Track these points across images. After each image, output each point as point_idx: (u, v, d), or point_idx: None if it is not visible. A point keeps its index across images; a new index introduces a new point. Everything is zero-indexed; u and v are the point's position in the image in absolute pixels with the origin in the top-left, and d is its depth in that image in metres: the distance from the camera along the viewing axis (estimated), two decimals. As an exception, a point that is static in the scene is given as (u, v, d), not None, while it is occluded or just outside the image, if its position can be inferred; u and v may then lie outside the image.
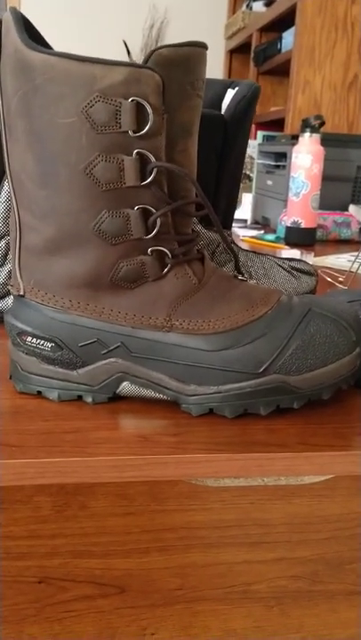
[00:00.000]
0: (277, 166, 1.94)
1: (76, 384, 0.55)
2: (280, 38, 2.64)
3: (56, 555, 0.57)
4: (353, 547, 0.62)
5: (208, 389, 0.52)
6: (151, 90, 0.47)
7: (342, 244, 1.70)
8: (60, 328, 0.53)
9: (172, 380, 0.53)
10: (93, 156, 0.48)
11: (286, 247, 1.55)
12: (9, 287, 0.64)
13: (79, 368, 0.54)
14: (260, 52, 2.86)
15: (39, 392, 0.56)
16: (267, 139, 2.23)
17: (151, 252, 0.52)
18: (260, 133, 2.25)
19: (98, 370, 0.54)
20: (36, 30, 0.51)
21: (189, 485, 0.57)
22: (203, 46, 0.50)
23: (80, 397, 0.55)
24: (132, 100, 0.46)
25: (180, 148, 0.52)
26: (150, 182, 0.49)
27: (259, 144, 2.11)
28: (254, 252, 0.87)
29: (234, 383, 0.52)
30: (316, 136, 1.54)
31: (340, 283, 1.15)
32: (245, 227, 1.97)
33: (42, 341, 0.54)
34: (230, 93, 0.78)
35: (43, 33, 3.15)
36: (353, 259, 1.39)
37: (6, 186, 0.70)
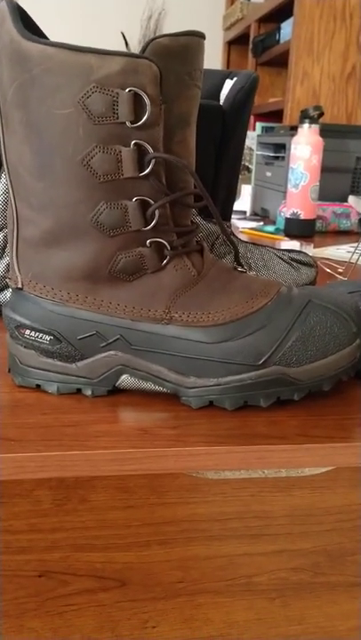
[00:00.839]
0: (276, 157, 1.93)
1: (75, 377, 0.55)
2: (278, 29, 2.63)
3: (56, 548, 0.57)
4: (354, 538, 0.62)
5: (208, 382, 0.52)
6: (149, 80, 0.46)
7: (342, 234, 1.70)
8: (58, 321, 0.53)
9: (172, 372, 0.52)
10: (91, 147, 0.47)
11: (286, 238, 1.54)
12: (7, 280, 0.64)
13: (78, 361, 0.54)
14: (259, 43, 2.85)
15: (38, 385, 0.56)
16: (265, 130, 2.22)
17: (150, 243, 0.52)
18: (258, 124, 2.24)
19: (97, 363, 0.54)
20: (32, 20, 0.51)
21: (190, 478, 0.57)
22: (200, 36, 0.50)
23: (79, 390, 0.55)
24: (130, 91, 0.46)
25: (179, 138, 0.51)
26: (148, 173, 0.49)
27: (258, 135, 2.10)
28: (254, 244, 0.86)
29: (234, 375, 0.51)
30: (315, 127, 1.54)
31: (340, 274, 1.15)
32: (245, 218, 1.96)
33: (40, 334, 0.54)
34: (229, 84, 0.77)
35: (39, 23, 3.13)
36: (352, 250, 1.39)
37: (4, 178, 0.70)
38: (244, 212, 2.10)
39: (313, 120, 1.53)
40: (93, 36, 3.52)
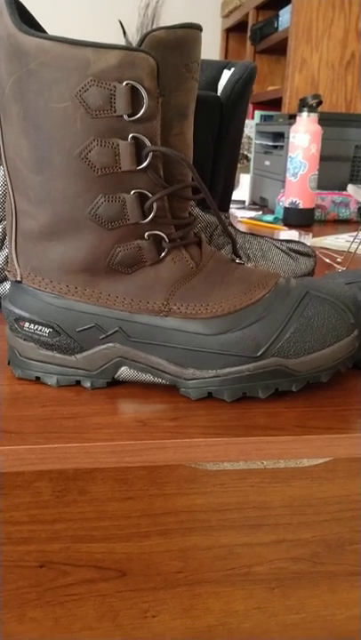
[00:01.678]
0: (275, 146, 1.93)
1: (74, 369, 0.55)
2: (277, 16, 2.62)
3: (57, 539, 0.57)
4: (353, 528, 0.62)
5: (207, 373, 0.52)
6: (146, 73, 0.46)
7: (341, 224, 1.70)
8: (57, 313, 0.53)
9: (171, 364, 0.53)
10: (88, 140, 0.47)
11: (285, 228, 1.54)
12: (6, 273, 0.64)
13: (77, 353, 0.54)
14: (257, 31, 2.83)
15: (37, 378, 0.56)
16: (264, 118, 2.22)
17: (148, 236, 0.52)
18: (257, 113, 2.24)
19: (96, 355, 0.54)
20: (29, 13, 0.50)
21: (189, 469, 0.57)
22: (197, 28, 0.50)
23: (78, 383, 0.55)
24: (127, 84, 0.46)
25: (176, 131, 0.51)
26: (146, 166, 0.49)
27: (256, 124, 2.09)
28: (252, 234, 0.86)
29: (232, 367, 0.52)
30: (314, 115, 1.53)
31: (339, 263, 1.15)
32: (243, 208, 1.96)
33: (40, 327, 0.54)
34: (226, 74, 0.77)
35: (36, 12, 3.12)
36: (351, 239, 1.39)
37: (2, 171, 0.70)
38: (243, 202, 2.10)
39: (312, 108, 1.53)
40: (91, 25, 3.50)
